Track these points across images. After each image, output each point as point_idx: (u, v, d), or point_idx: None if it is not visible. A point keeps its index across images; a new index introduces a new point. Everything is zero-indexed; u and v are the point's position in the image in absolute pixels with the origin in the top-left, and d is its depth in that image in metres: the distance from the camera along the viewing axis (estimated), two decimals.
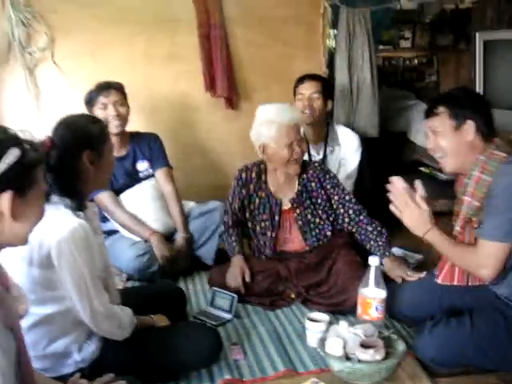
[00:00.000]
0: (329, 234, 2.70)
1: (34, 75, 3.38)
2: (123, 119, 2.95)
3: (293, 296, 2.60)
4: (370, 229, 2.65)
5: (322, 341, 2.03)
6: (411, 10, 4.81)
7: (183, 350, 1.98)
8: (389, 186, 2.05)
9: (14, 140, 1.26)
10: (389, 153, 5.17)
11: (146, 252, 2.83)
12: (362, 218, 2.68)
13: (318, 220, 2.69)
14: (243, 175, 2.76)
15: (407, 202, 2.02)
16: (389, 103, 5.39)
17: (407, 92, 5.91)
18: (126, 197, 2.96)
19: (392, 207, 2.04)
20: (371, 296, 2.16)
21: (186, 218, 3.05)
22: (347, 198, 2.70)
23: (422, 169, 4.79)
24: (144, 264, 2.78)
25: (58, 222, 1.70)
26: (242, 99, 3.61)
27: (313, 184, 2.69)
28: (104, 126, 1.96)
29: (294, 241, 2.76)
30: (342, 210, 2.69)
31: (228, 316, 2.46)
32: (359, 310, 2.20)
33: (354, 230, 2.69)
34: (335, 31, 3.75)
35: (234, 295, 2.49)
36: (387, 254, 2.59)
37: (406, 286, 2.43)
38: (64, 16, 3.32)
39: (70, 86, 3.40)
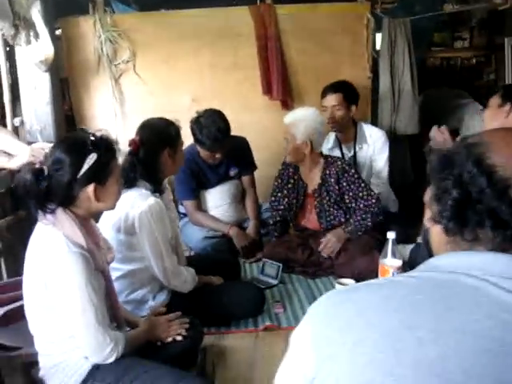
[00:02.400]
0: (342, 219, 3.15)
1: (118, 84, 4.00)
2: None
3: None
4: (362, 210, 3.08)
5: None
6: (461, 11, 5.05)
7: (234, 301, 2.52)
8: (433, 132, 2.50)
9: (93, 146, 1.74)
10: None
11: (213, 236, 3.32)
12: (368, 214, 3.08)
13: (331, 209, 3.17)
14: (286, 159, 3.30)
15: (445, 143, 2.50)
16: (443, 102, 5.69)
17: (461, 91, 6.14)
18: (212, 192, 3.45)
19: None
20: (389, 264, 2.60)
21: (258, 209, 3.57)
22: (361, 194, 3.09)
23: None
24: (210, 245, 3.26)
25: (140, 200, 2.27)
26: (295, 101, 4.07)
27: (332, 180, 3.12)
28: (178, 127, 2.52)
29: (311, 220, 3.31)
30: (353, 205, 3.11)
31: (274, 281, 2.96)
32: (379, 276, 2.65)
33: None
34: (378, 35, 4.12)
35: (280, 264, 2.99)
36: (343, 226, 3.10)
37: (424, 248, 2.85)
38: (144, 33, 3.92)
39: (148, 93, 4.01)
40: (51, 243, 1.71)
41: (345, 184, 3.11)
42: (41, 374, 1.85)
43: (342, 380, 0.87)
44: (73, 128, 4.06)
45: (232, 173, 3.48)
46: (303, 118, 3.11)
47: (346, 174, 3.11)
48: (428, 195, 1.07)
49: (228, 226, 3.36)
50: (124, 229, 2.28)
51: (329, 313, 0.96)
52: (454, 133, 5.52)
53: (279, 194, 3.33)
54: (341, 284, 2.70)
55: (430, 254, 1.15)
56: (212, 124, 3.12)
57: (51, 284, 1.69)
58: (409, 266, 2.76)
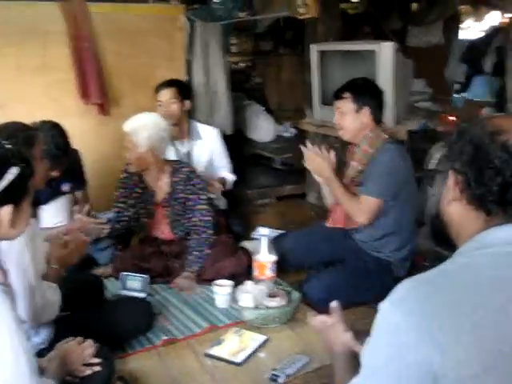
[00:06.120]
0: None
1: None
2: None
3: None
4: (195, 242, 3.01)
5: (234, 298, 2.53)
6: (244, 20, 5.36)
7: (123, 320, 2.33)
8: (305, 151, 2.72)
9: (12, 158, 1.42)
10: (231, 148, 5.79)
11: None
12: (199, 228, 3.03)
13: (183, 219, 3.09)
14: (128, 169, 3.12)
15: (315, 154, 2.70)
16: None
17: (240, 93, 6.55)
18: (46, 209, 3.10)
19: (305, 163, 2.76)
20: (265, 260, 2.71)
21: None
22: (199, 207, 3.05)
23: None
24: None
25: None
26: (111, 105, 3.88)
27: (180, 187, 3.06)
28: (37, 132, 2.23)
29: (163, 230, 3.19)
30: (192, 214, 3.06)
31: (142, 295, 2.79)
32: (256, 272, 2.73)
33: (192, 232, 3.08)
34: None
35: (145, 276, 2.83)
36: (189, 268, 2.97)
37: (289, 239, 3.05)
38: None
39: None
40: None
41: (188, 192, 3.05)
42: None
43: (472, 357, 0.94)
44: None
45: (65, 188, 3.19)
46: (145, 124, 2.96)
47: (189, 183, 3.05)
48: (451, 181, 1.17)
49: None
50: None
51: (427, 307, 0.99)
52: (239, 133, 5.91)
53: (121, 205, 3.15)
54: (218, 285, 2.71)
55: (441, 231, 1.25)
56: (50, 140, 2.80)
57: None
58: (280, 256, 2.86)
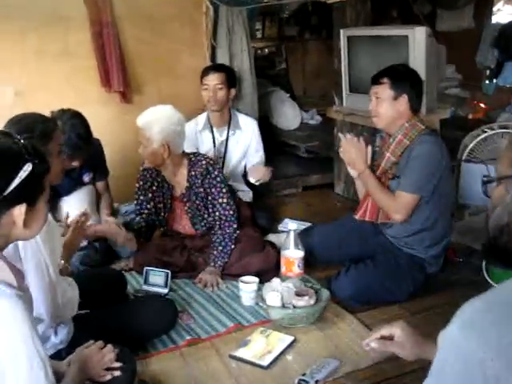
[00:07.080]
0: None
1: None
2: None
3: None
4: (219, 237, 2.90)
5: (261, 296, 2.43)
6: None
7: (146, 320, 2.24)
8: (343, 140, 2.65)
9: (26, 154, 1.32)
10: None
11: (82, 248, 2.89)
12: (222, 223, 2.91)
13: (205, 211, 2.97)
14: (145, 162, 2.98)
15: (352, 145, 2.60)
16: None
17: (264, 79, 6.42)
18: (68, 200, 3.07)
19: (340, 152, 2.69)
20: (293, 256, 2.59)
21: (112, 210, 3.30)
22: (221, 200, 2.92)
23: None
24: (78, 260, 2.87)
25: None
26: (134, 93, 3.79)
27: (198, 181, 2.92)
28: (55, 124, 2.15)
29: (184, 226, 3.09)
30: (214, 209, 2.94)
31: (164, 290, 2.71)
32: (283, 268, 2.61)
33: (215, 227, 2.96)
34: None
35: (168, 271, 2.74)
36: (212, 264, 2.86)
37: (316, 233, 2.93)
38: None
39: None
40: None
41: (207, 186, 2.92)
42: None
43: None
44: None
45: (86, 178, 3.14)
46: (157, 118, 2.79)
47: (208, 176, 2.91)
48: None
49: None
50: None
51: (505, 332, 0.88)
52: (265, 120, 5.79)
53: (142, 198, 3.04)
54: (244, 282, 2.61)
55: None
56: (71, 129, 2.73)
57: None
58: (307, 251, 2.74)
